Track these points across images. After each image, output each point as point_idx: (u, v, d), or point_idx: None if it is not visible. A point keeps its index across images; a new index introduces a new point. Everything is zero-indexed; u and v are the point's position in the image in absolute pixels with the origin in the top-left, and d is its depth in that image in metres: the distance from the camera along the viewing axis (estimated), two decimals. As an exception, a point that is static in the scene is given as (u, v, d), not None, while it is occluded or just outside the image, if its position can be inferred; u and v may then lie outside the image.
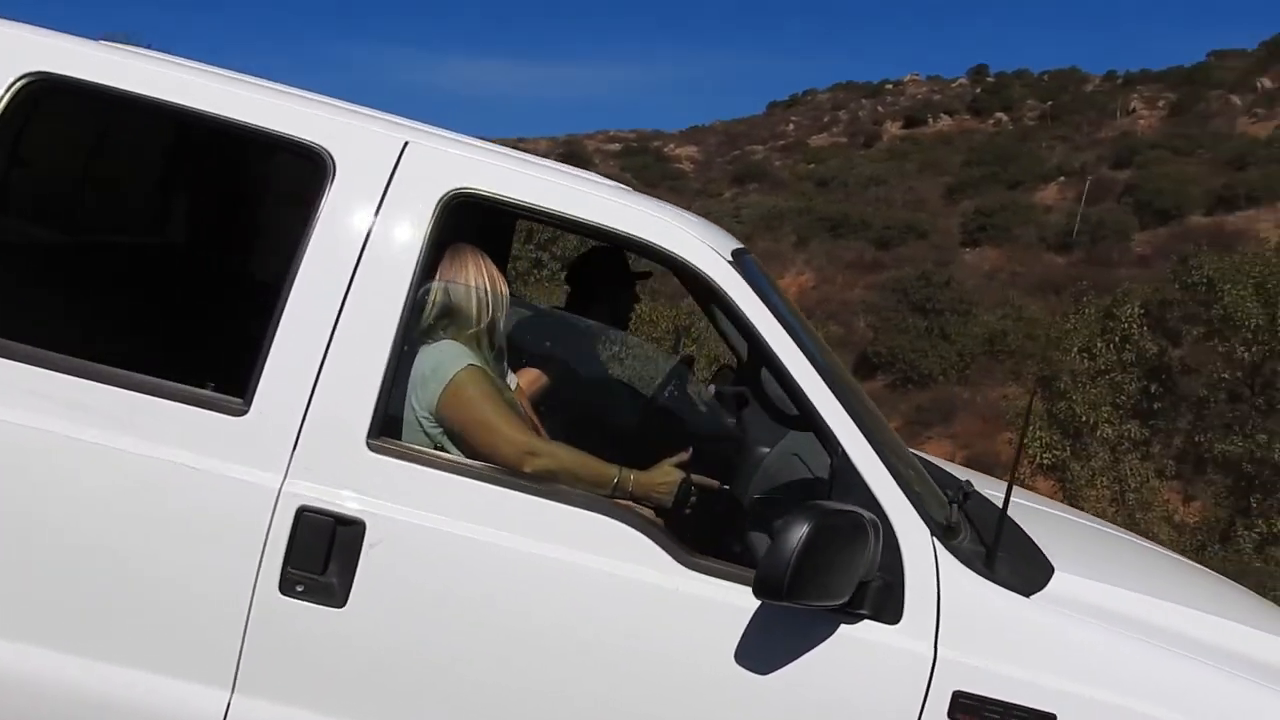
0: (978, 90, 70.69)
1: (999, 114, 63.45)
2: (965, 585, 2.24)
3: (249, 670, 2.17)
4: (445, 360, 2.38)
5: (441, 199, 2.28)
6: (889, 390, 28.48)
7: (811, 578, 2.04)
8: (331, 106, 2.44)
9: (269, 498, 2.14)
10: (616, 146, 71.20)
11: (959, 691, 2.19)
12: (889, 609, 2.19)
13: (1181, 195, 38.47)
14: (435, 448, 2.35)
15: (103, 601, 2.17)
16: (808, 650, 2.19)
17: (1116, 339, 15.44)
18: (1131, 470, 14.16)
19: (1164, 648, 2.32)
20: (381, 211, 2.27)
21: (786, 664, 2.19)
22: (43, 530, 2.16)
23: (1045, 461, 15.17)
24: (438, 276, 2.41)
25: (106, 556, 2.16)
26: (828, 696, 2.21)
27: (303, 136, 2.30)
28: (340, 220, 2.26)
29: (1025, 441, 15.37)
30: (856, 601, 2.14)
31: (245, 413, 2.17)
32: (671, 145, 73.55)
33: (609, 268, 3.53)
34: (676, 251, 2.31)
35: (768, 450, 2.96)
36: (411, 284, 2.25)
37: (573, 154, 65.93)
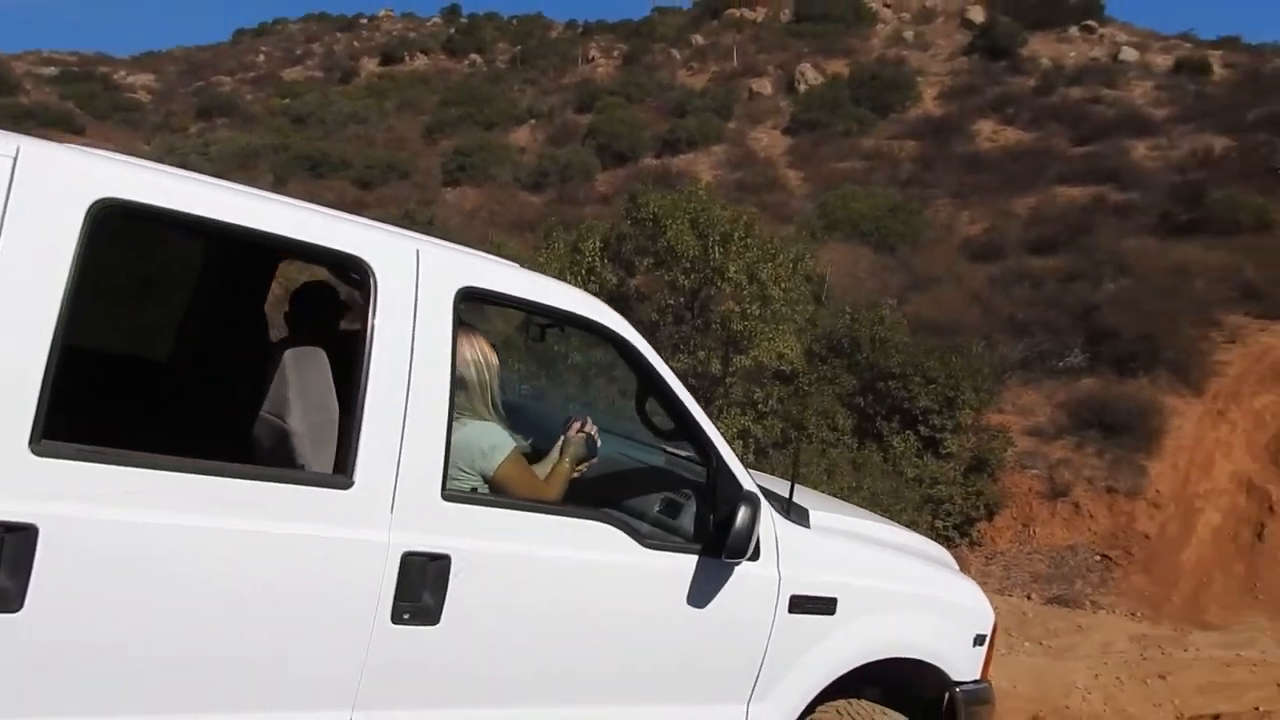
0: (452, 30, 71.85)
1: (473, 55, 65.13)
2: (784, 529, 3.43)
3: (366, 689, 2.67)
4: (499, 443, 3.09)
5: (455, 295, 2.84)
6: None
7: (752, 543, 3.12)
8: (357, 221, 2.94)
9: (382, 550, 2.63)
10: (52, 70, 62.47)
11: (793, 595, 3.42)
12: (756, 552, 3.25)
13: (635, 139, 42.41)
14: None
15: (253, 660, 2.51)
16: (723, 586, 3.26)
17: (583, 271, 16.74)
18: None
19: (874, 547, 3.87)
20: (418, 309, 2.75)
21: (714, 596, 3.26)
22: (206, 611, 2.42)
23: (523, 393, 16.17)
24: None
25: (257, 621, 2.49)
26: (735, 612, 3.31)
27: (348, 250, 2.71)
28: (390, 320, 2.71)
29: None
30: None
31: (351, 486, 2.60)
32: (122, 72, 66.20)
33: (326, 298, 3.90)
34: (609, 325, 3.18)
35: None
36: (451, 367, 2.80)
37: (-3, 76, 56.60)
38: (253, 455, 2.89)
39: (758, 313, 15.72)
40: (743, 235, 16.05)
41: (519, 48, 64.80)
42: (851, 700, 3.68)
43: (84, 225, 2.28)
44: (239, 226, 2.54)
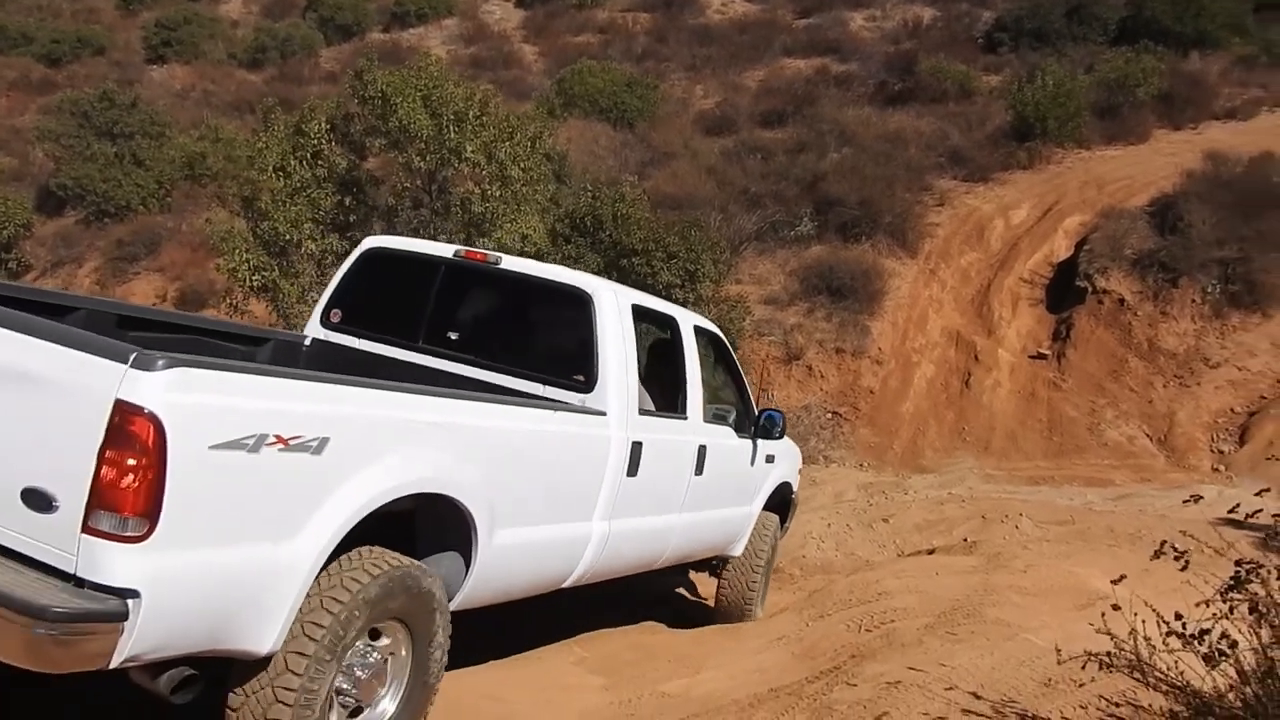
0: (142, -114, 64.20)
1: (170, -85, 58.66)
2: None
3: (683, 504, 6.39)
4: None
5: (694, 329, 6.81)
6: (83, 227, 25.76)
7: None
8: (665, 302, 7.18)
9: (695, 445, 6.47)
10: None
11: (766, 454, 7.77)
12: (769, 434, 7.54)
13: (360, 11, 39.96)
14: None
15: (678, 489, 6.41)
16: (756, 451, 7.48)
17: (308, 155, 15.68)
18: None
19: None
20: (693, 339, 6.70)
21: (755, 456, 7.48)
22: (675, 471, 6.37)
23: (256, 284, 15.19)
24: None
25: (676, 476, 6.35)
26: (758, 463, 7.56)
27: (667, 313, 6.67)
28: (686, 342, 6.58)
29: (235, 266, 15.19)
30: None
31: (687, 419, 6.40)
32: None
33: None
34: (720, 335, 7.61)
35: None
36: (700, 363, 6.78)
37: None
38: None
39: (498, 194, 15.35)
40: (478, 113, 15.51)
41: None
42: None
43: (631, 316, 5.76)
44: (651, 309, 6.34)
